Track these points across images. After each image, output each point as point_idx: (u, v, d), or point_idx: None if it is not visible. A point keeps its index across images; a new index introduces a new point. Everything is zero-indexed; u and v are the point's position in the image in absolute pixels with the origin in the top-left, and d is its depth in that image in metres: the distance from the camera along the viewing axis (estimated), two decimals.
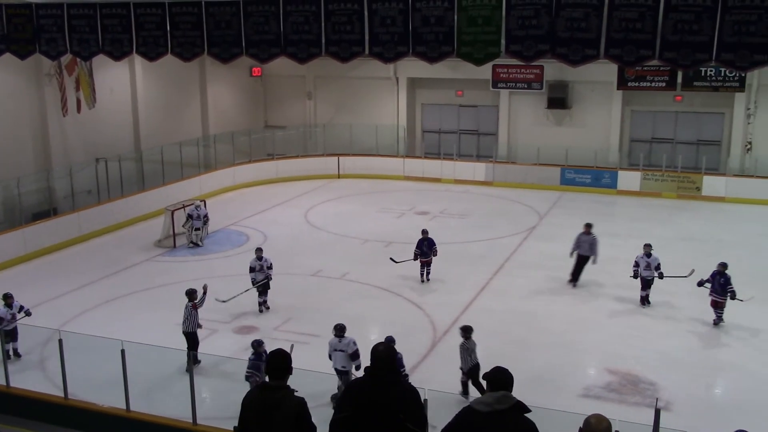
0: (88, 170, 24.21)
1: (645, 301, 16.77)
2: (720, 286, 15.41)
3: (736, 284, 15.36)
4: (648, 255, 16.72)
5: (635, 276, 16.76)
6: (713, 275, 15.61)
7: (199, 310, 13.88)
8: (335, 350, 12.03)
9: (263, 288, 16.70)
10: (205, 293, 14.16)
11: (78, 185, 23.49)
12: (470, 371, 12.24)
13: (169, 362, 12.65)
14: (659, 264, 16.65)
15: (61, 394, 11.71)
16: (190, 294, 13.85)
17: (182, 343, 13.29)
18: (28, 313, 14.36)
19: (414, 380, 5.33)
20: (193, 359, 11.94)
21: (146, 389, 12.63)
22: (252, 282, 16.65)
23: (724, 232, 23.58)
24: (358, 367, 11.64)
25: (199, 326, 13.86)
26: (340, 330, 12.08)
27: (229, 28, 12.30)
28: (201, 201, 23.04)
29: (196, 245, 21.76)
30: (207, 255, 21.19)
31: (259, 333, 15.33)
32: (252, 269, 16.70)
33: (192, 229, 21.81)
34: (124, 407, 11.24)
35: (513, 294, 17.65)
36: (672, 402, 12.60)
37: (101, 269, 19.80)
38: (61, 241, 21.73)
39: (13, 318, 14.10)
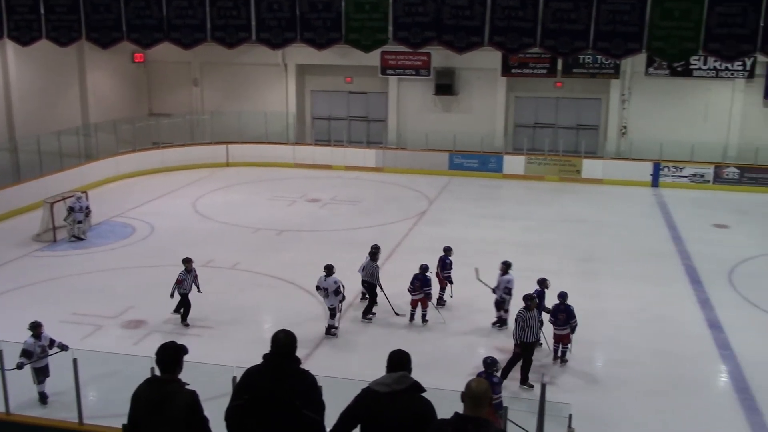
0: None
1: (497, 323, 15.18)
2: (566, 317, 13.62)
3: (615, 262, 16.02)
4: (503, 273, 14.93)
5: (493, 291, 15.08)
6: (555, 309, 13.74)
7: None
8: (319, 287, 14.62)
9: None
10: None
11: None
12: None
13: (52, 361, 12.10)
14: (508, 289, 14.80)
15: None
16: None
17: (64, 340, 12.72)
18: (63, 348, 11.89)
19: (308, 366, 5.35)
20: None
21: (28, 390, 12.07)
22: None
23: (603, 212, 24.76)
24: (341, 301, 14.61)
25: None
26: (328, 269, 14.57)
27: (108, 12, 11.81)
28: (82, 192, 22.10)
29: (79, 239, 20.89)
30: (90, 248, 20.39)
31: (148, 326, 14.96)
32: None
33: (74, 223, 20.91)
34: (4, 410, 10.70)
35: (405, 279, 17.84)
36: (556, 376, 13.15)
37: None
38: None
39: (44, 352, 11.86)
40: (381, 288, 15.65)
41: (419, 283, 15.22)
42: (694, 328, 15.45)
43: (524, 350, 12.73)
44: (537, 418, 8.46)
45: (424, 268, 15.39)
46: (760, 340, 14.87)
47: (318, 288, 14.65)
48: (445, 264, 16.31)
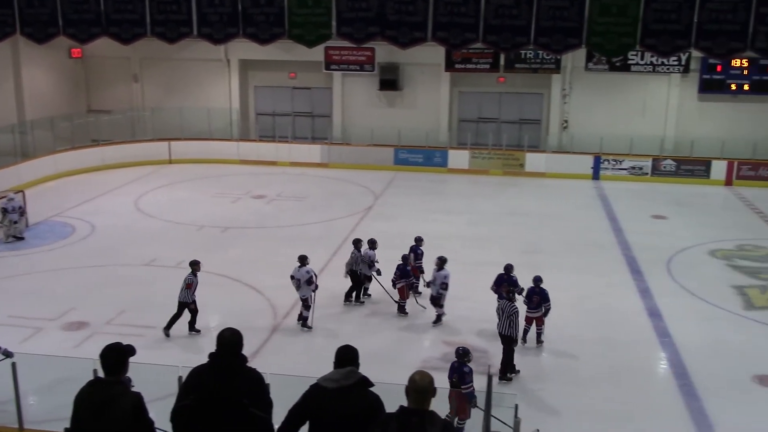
0: None
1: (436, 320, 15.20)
2: (539, 300, 13.91)
3: (557, 254, 16.30)
4: (439, 268, 14.92)
5: (427, 285, 15.42)
6: (530, 291, 14.01)
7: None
8: (293, 277, 14.59)
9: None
10: None
11: None
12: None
13: None
14: (445, 284, 14.81)
15: None
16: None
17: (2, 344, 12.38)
18: (8, 354, 10.94)
19: (256, 364, 5.33)
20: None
21: None
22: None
23: (546, 205, 25.16)
24: (314, 290, 14.67)
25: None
26: (302, 260, 14.63)
27: (43, 6, 11.53)
28: (16, 192, 21.47)
29: (18, 238, 20.31)
30: (28, 249, 19.84)
31: (90, 328, 14.65)
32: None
33: (11, 223, 20.32)
34: None
35: None
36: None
37: None
38: None
39: None
40: (361, 275, 16.01)
41: (399, 272, 15.56)
42: (634, 316, 15.83)
43: (512, 342, 12.88)
44: (484, 408, 8.58)
45: (404, 258, 15.80)
46: (697, 328, 15.32)
47: (292, 278, 14.67)
48: (417, 254, 16.51)
